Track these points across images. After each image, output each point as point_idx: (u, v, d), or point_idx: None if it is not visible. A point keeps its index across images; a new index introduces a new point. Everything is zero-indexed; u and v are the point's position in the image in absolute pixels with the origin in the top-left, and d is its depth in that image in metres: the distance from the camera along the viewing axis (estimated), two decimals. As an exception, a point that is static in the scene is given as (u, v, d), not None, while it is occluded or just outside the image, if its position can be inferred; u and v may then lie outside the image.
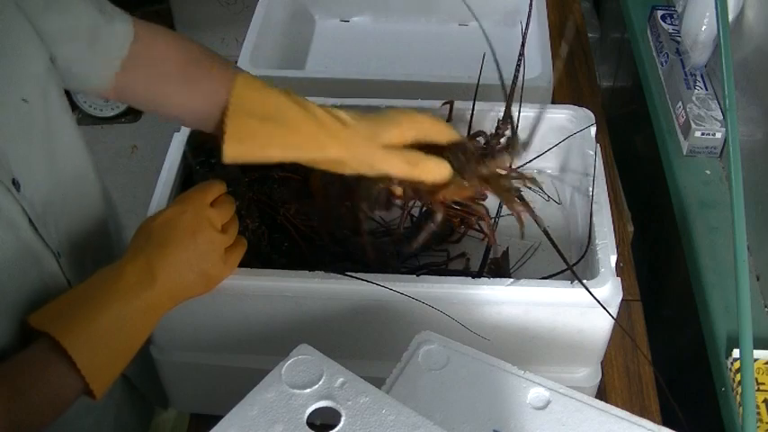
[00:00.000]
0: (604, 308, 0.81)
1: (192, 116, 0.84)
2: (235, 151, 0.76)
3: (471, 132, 1.00)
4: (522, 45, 0.88)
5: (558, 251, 0.92)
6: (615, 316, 0.84)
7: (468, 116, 1.03)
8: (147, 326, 0.74)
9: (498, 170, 0.83)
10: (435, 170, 0.79)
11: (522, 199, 0.85)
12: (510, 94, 0.87)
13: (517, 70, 0.88)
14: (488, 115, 1.02)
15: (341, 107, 0.80)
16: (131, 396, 0.97)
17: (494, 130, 0.88)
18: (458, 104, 1.02)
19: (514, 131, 0.85)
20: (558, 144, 1.01)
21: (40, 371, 0.67)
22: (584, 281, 0.81)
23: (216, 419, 0.62)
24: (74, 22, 0.78)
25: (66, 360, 0.67)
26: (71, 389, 0.68)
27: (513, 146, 0.84)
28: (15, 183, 0.72)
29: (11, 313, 0.71)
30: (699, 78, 1.23)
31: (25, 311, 0.71)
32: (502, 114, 0.87)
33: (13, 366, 0.67)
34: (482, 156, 0.83)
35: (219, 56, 0.84)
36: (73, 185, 0.83)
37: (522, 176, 0.84)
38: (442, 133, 0.81)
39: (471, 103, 1.03)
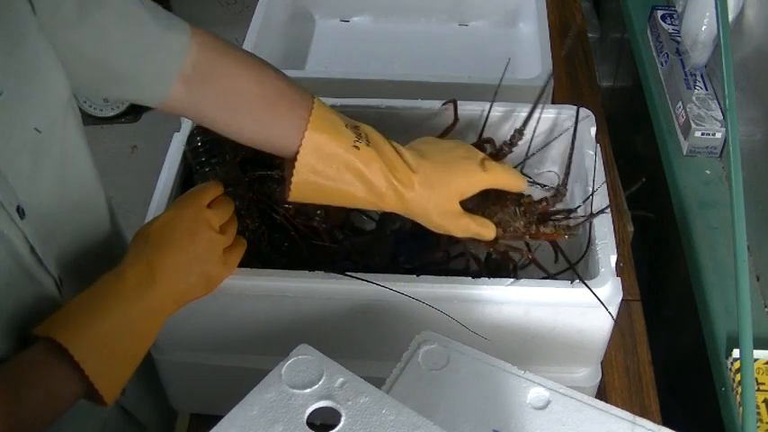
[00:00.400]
0: (605, 307, 0.81)
1: (262, 147, 0.82)
2: (295, 198, 0.79)
3: (482, 138, 1.00)
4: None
5: (561, 251, 0.92)
6: (615, 316, 0.84)
7: (469, 116, 1.03)
8: (150, 330, 0.73)
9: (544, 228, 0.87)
10: (482, 232, 0.83)
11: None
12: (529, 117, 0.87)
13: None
14: (494, 118, 1.02)
15: (344, 109, 0.80)
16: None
17: (508, 140, 0.91)
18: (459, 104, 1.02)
19: (564, 183, 0.89)
20: (550, 142, 1.01)
21: (41, 374, 0.66)
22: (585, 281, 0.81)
23: (216, 419, 0.62)
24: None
25: (68, 363, 0.66)
26: (71, 392, 0.68)
27: (559, 199, 0.88)
28: (20, 210, 0.70)
29: (6, 333, 0.70)
30: (699, 78, 1.23)
31: (20, 333, 0.70)
32: (505, 117, 0.87)
33: (12, 368, 0.66)
34: (534, 217, 0.87)
35: (295, 85, 0.81)
36: (82, 212, 0.82)
37: (564, 230, 0.88)
38: (514, 184, 0.85)
39: (471, 104, 1.03)
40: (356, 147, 0.78)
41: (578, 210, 0.93)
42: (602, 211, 0.87)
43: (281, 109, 0.79)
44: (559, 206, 0.90)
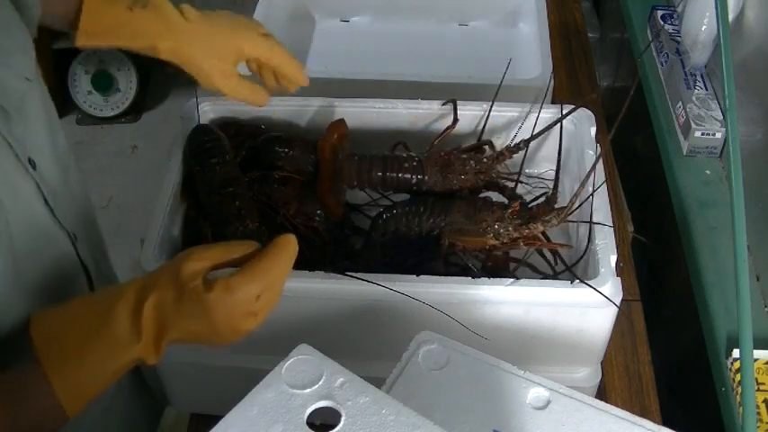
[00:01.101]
0: (609, 299, 0.81)
1: (57, 15, 0.86)
2: (84, 42, 0.85)
3: (481, 140, 1.01)
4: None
5: (558, 253, 0.92)
6: (615, 317, 0.84)
7: (469, 116, 1.03)
8: (126, 368, 0.68)
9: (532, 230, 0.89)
10: (253, 97, 0.90)
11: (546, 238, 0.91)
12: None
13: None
14: (494, 118, 1.02)
15: (344, 109, 0.80)
16: (140, 390, 0.98)
17: (512, 145, 0.93)
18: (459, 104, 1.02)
19: (555, 187, 0.90)
20: (535, 137, 1.01)
21: (29, 393, 0.64)
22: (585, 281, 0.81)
23: (216, 419, 0.62)
24: None
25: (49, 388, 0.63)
26: (52, 413, 0.65)
27: (551, 205, 0.89)
28: (31, 162, 0.73)
29: (27, 292, 0.72)
30: (699, 78, 1.23)
31: (41, 291, 0.71)
32: (505, 117, 0.87)
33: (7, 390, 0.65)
34: (523, 220, 0.88)
35: None
36: (69, 176, 0.85)
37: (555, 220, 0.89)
38: (287, 62, 0.91)
39: (471, 104, 1.03)
40: (131, 9, 0.85)
41: (578, 208, 0.93)
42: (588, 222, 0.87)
43: None
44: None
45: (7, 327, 0.70)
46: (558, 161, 0.92)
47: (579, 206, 0.89)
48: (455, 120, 1.02)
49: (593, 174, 0.89)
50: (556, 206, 0.90)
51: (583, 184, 0.87)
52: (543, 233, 0.90)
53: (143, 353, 0.65)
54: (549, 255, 0.94)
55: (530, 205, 0.91)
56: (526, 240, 0.89)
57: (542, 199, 0.91)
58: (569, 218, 0.98)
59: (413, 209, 0.94)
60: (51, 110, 0.83)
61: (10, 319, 0.70)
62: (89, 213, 0.91)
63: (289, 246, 0.69)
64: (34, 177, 0.74)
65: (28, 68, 0.76)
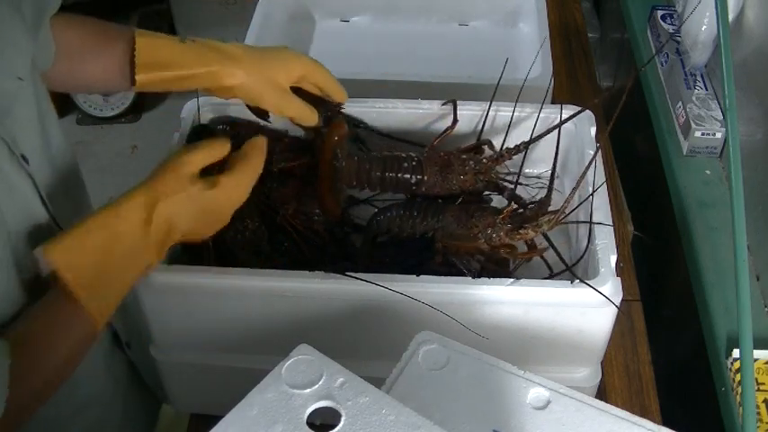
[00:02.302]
0: (609, 299, 0.80)
1: (107, 82, 0.88)
2: (144, 77, 0.85)
3: (480, 139, 1.01)
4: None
5: (557, 253, 0.92)
6: (616, 317, 0.84)
7: (468, 117, 1.03)
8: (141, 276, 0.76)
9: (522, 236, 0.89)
10: (303, 114, 0.90)
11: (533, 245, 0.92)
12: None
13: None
14: (494, 118, 1.02)
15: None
16: (139, 388, 0.98)
17: (512, 146, 0.94)
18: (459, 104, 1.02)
19: (549, 191, 0.90)
20: (537, 139, 1.01)
21: (51, 313, 0.70)
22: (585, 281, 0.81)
23: (216, 419, 0.62)
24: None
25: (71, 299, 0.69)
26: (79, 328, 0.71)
27: (544, 209, 0.89)
28: (24, 158, 0.74)
29: (26, 284, 0.73)
30: (699, 78, 1.23)
31: (40, 284, 0.72)
32: (505, 117, 0.87)
33: (33, 318, 0.70)
34: (514, 225, 0.89)
35: (111, 23, 0.89)
36: (66, 168, 0.86)
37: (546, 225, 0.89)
38: (324, 76, 0.93)
39: (471, 104, 1.03)
40: (182, 41, 0.86)
41: (577, 208, 0.93)
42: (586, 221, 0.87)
43: (105, 34, 0.87)
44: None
45: (8, 319, 0.71)
46: (554, 164, 0.91)
47: (573, 211, 0.89)
48: (455, 120, 1.02)
49: (593, 174, 0.89)
50: (550, 209, 0.89)
51: (575, 189, 0.87)
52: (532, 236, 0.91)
53: (153, 260, 0.75)
54: (547, 255, 0.94)
55: (522, 210, 0.91)
56: (505, 250, 0.91)
57: (539, 200, 0.91)
58: (570, 218, 0.98)
59: (407, 211, 0.94)
60: (47, 110, 0.83)
61: (11, 312, 0.71)
62: (87, 212, 0.91)
63: (262, 146, 0.84)
64: (29, 172, 0.75)
65: (20, 68, 0.76)
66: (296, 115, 0.91)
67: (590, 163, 0.89)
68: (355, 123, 1.02)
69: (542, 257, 0.93)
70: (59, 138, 0.86)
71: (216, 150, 0.81)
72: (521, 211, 0.91)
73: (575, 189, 0.87)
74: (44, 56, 0.83)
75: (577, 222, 0.94)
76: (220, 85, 0.86)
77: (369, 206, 1.04)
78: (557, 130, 0.94)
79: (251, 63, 0.87)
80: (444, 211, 0.93)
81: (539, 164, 1.06)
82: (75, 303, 0.69)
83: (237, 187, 0.81)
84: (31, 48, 0.79)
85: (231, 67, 0.85)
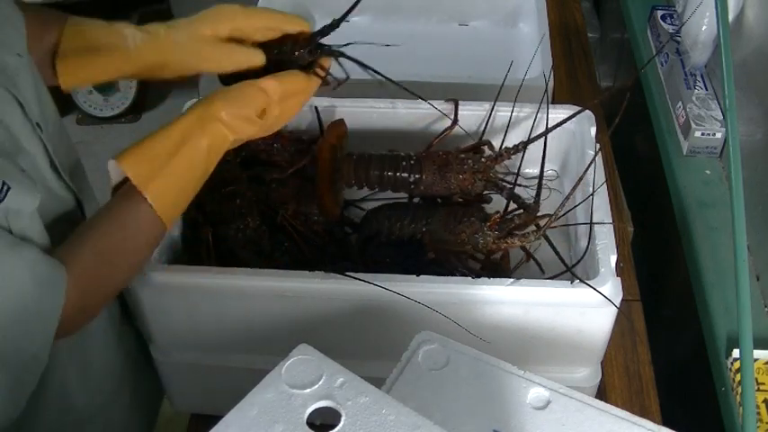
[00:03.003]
0: (610, 300, 0.81)
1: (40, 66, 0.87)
2: (68, 84, 0.85)
3: (480, 140, 1.00)
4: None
5: (557, 253, 0.92)
6: (615, 317, 0.84)
7: (469, 117, 1.03)
8: (210, 162, 0.80)
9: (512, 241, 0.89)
10: (251, 59, 0.87)
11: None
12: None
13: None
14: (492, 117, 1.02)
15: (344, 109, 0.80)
16: (147, 362, 0.98)
17: (511, 146, 0.94)
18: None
19: (536, 199, 0.89)
20: (538, 138, 1.01)
21: (125, 214, 0.76)
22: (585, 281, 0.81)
23: (216, 419, 0.62)
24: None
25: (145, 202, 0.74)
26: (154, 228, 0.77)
27: (533, 215, 0.89)
28: (39, 126, 0.76)
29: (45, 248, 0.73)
30: (699, 78, 1.23)
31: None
32: (505, 117, 0.87)
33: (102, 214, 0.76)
34: (501, 233, 0.89)
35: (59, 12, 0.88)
36: (65, 143, 0.87)
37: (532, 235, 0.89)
38: (264, 15, 0.90)
39: (471, 104, 1.03)
40: (110, 24, 0.86)
41: (577, 209, 0.93)
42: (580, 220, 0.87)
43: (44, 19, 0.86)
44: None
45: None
46: (542, 167, 0.90)
47: (564, 215, 0.89)
48: (455, 120, 1.02)
49: (593, 174, 0.89)
50: (542, 213, 0.89)
51: (575, 188, 0.86)
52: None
53: (210, 166, 0.80)
54: (545, 255, 0.93)
55: (511, 216, 0.91)
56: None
57: (527, 205, 0.91)
58: (570, 217, 0.98)
59: (397, 213, 0.94)
60: (42, 89, 0.83)
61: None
62: (87, 183, 0.94)
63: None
64: (42, 138, 0.77)
65: (18, 44, 0.77)
66: (239, 62, 0.87)
67: (590, 163, 0.89)
68: (338, 54, 0.99)
69: (535, 260, 0.93)
70: (56, 116, 0.86)
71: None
72: (510, 217, 0.91)
73: (574, 188, 0.87)
74: None
75: (577, 225, 0.94)
76: (146, 64, 0.85)
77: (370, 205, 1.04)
78: (550, 131, 0.94)
79: (175, 32, 0.86)
80: (433, 216, 0.93)
81: (538, 163, 1.06)
82: (144, 203, 0.74)
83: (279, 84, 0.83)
84: (23, 26, 0.79)
85: (153, 42, 0.85)
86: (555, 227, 0.88)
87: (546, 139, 0.91)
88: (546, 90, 1.00)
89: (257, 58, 0.87)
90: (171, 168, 0.76)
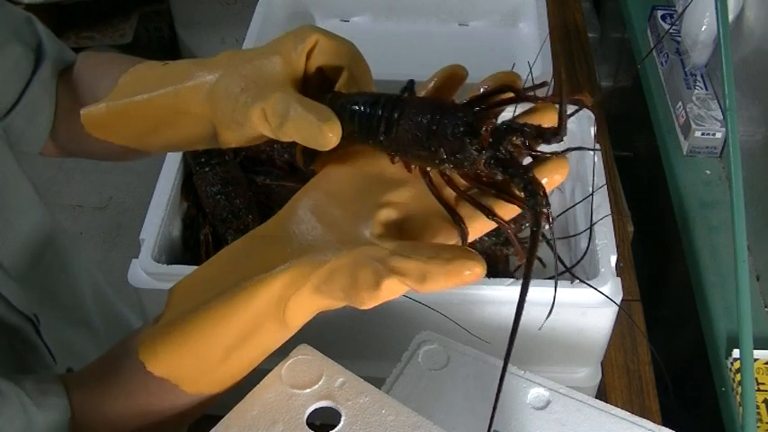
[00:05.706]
0: (611, 299, 0.80)
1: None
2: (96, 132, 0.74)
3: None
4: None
5: (557, 254, 0.92)
6: (615, 317, 0.84)
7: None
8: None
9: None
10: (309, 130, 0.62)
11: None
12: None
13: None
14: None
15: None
16: None
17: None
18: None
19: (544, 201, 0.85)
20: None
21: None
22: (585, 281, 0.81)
23: (216, 419, 0.62)
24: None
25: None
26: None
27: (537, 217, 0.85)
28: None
29: None
30: (699, 78, 1.23)
31: None
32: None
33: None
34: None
35: (120, 57, 0.78)
36: (34, 246, 0.81)
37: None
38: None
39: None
40: (166, 63, 0.70)
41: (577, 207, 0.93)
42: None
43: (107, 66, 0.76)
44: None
45: None
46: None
47: (562, 214, 0.89)
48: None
49: (593, 174, 0.89)
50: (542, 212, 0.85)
51: (558, 216, 0.86)
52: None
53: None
54: (545, 256, 0.94)
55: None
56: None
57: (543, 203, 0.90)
58: (568, 218, 0.98)
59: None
60: (11, 180, 0.77)
61: None
62: (63, 281, 0.85)
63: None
64: None
65: None
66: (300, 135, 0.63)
67: (594, 166, 0.89)
68: None
69: (529, 259, 0.92)
70: (27, 210, 0.79)
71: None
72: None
73: (591, 196, 0.86)
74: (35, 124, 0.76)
75: (576, 225, 0.94)
76: (181, 109, 0.66)
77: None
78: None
79: (230, 65, 0.65)
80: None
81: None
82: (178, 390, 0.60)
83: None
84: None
85: (201, 79, 0.64)
86: (563, 238, 0.88)
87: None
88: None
89: (325, 137, 0.62)
90: (224, 370, 0.60)
